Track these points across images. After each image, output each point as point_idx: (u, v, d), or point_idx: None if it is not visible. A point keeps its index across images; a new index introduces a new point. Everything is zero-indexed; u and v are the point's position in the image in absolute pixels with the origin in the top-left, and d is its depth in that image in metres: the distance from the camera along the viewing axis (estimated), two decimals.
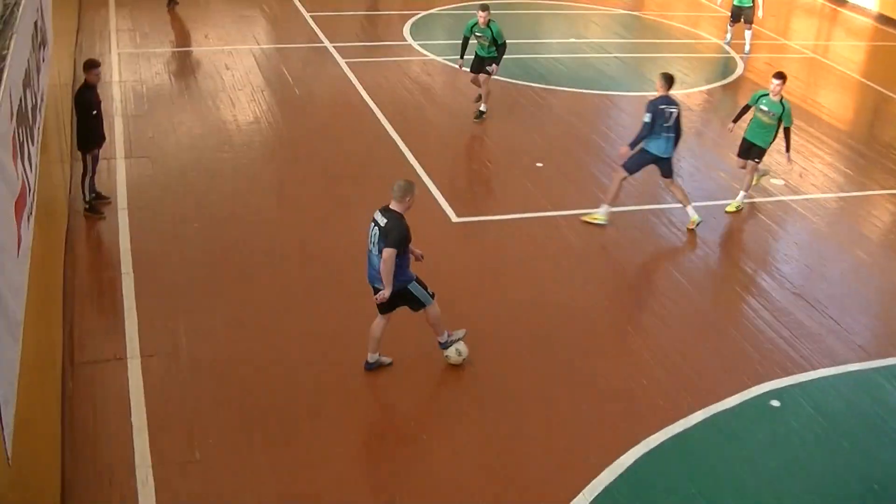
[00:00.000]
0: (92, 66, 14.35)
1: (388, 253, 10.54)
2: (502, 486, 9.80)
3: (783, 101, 15.96)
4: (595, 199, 16.24)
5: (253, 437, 10.15)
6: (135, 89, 19.65)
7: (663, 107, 15.05)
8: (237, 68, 21.23)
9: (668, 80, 15.26)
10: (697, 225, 15.62)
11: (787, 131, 16.16)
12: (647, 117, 15.07)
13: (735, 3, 25.77)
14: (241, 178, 16.25)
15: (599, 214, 15.53)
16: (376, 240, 10.73)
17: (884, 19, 30.77)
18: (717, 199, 16.86)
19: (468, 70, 19.22)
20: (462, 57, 19.10)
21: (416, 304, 11.25)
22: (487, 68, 18.88)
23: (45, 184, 10.98)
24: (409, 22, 25.16)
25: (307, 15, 25.48)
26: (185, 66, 21.36)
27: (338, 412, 10.68)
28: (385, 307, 11.14)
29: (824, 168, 18.79)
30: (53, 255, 12.14)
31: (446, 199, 15.77)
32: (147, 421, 10.16)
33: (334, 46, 23.02)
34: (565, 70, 22.62)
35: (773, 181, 17.73)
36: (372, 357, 11.43)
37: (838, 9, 32.03)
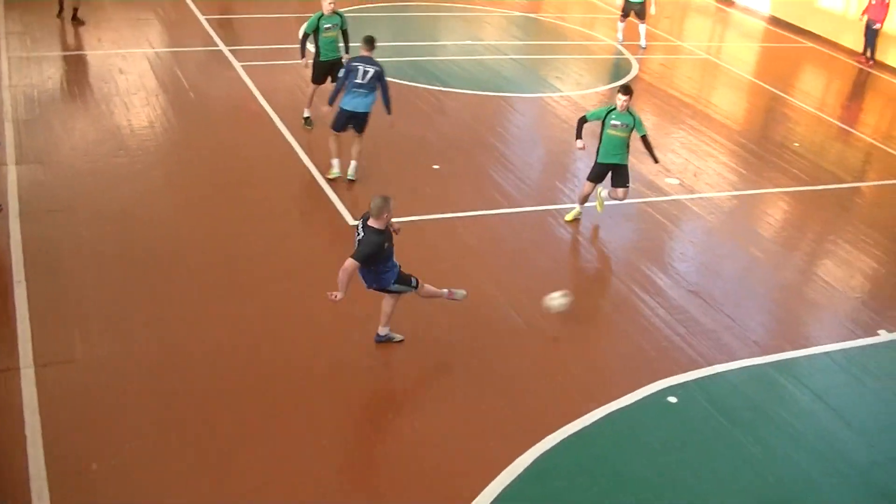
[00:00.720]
0: None
1: (348, 263, 10.81)
2: (403, 486, 9.83)
3: (631, 110, 15.83)
4: (494, 200, 16.40)
5: (169, 438, 10.08)
6: (26, 94, 19.33)
7: (357, 64, 15.88)
8: (131, 72, 20.99)
9: (368, 41, 16.07)
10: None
11: (644, 139, 15.94)
12: (341, 73, 16.24)
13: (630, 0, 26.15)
14: (136, 182, 16.08)
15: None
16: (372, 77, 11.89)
17: (775, 21, 31.51)
18: (610, 201, 17.05)
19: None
20: (303, 55, 18.50)
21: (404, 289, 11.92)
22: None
23: None
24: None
25: (202, 18, 25.29)
26: (77, 71, 21.05)
27: (258, 409, 10.65)
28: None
29: (718, 167, 19.18)
30: None
31: (343, 203, 15.79)
32: (42, 432, 10.01)
33: (230, 50, 22.89)
34: (462, 72, 22.76)
35: (669, 180, 18.01)
36: (382, 330, 12.19)
37: (731, 10, 32.60)
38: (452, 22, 27.65)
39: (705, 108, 22.52)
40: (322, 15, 18.15)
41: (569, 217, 16.23)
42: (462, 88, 21.82)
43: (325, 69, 18.47)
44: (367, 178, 16.82)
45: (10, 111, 18.42)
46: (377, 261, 11.22)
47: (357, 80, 15.88)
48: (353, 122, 16.31)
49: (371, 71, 15.83)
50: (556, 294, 13.00)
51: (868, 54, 28.35)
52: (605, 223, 16.26)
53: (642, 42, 26.49)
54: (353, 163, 16.57)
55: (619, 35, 26.82)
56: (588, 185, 15.97)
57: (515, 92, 22.02)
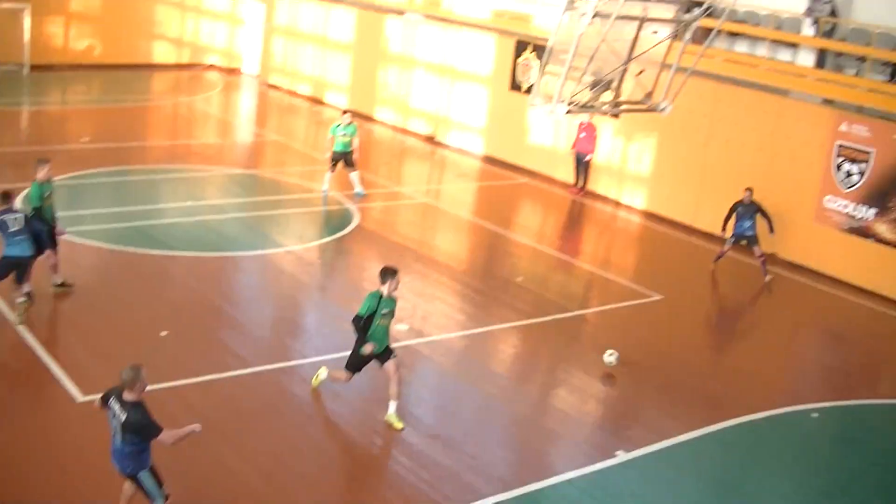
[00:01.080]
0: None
1: (165, 436, 10.75)
2: None
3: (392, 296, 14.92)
4: (225, 363, 16.09)
5: None
6: None
7: (4, 217, 16.56)
8: None
9: (4, 197, 16.74)
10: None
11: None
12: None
13: (335, 149, 26.47)
14: None
15: None
16: (120, 431, 10.68)
17: (489, 160, 32.56)
18: (346, 351, 16.94)
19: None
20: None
21: (145, 493, 11.07)
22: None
23: None
24: (22, 194, 24.17)
25: None
26: None
27: None
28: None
29: (446, 309, 19.49)
30: None
31: (70, 378, 15.13)
32: None
33: None
34: (184, 234, 22.43)
35: (399, 327, 18.12)
36: None
37: (446, 152, 33.54)
38: (173, 184, 27.33)
39: (429, 252, 22.93)
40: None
41: (315, 383, 15.66)
42: (185, 251, 21.49)
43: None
44: (94, 350, 16.23)
45: None
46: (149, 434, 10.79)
47: (14, 230, 16.52)
48: (17, 269, 16.67)
49: (20, 215, 16.73)
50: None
51: (580, 185, 29.58)
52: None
53: (358, 189, 26.70)
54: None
55: (325, 185, 26.94)
56: (346, 374, 14.93)
57: (239, 250, 21.85)
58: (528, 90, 29.79)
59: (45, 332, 16.81)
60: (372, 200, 26.62)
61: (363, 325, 14.41)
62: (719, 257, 23.16)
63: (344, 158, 26.46)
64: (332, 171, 26.72)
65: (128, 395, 10.76)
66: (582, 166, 29.53)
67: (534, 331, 19.04)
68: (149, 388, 14.85)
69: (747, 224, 22.52)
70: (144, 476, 11.01)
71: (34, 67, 41.57)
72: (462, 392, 16.34)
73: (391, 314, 14.71)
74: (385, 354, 14.69)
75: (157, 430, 10.78)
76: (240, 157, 31.43)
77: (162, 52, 46.36)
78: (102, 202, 24.51)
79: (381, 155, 32.93)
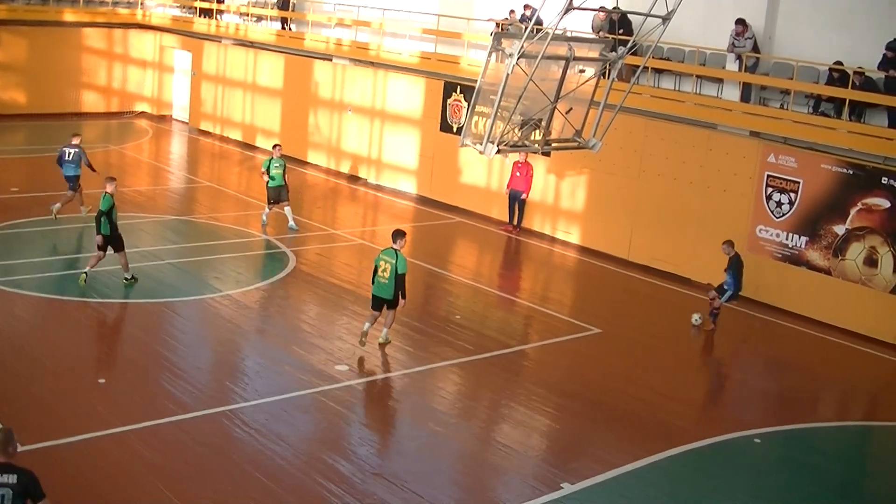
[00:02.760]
0: None
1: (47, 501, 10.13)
2: None
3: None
4: (166, 408, 15.97)
5: None
6: None
7: None
8: None
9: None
10: None
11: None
12: None
13: (271, 185, 27.25)
14: None
15: None
16: (11, 499, 9.93)
17: (423, 200, 32.72)
18: (287, 393, 17.09)
19: None
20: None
21: None
22: None
23: None
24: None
25: None
26: None
27: None
28: None
29: (387, 349, 19.41)
30: None
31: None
32: None
33: None
34: (120, 282, 22.20)
35: (339, 367, 18.11)
36: None
37: (379, 194, 33.64)
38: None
39: (366, 293, 22.68)
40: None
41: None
42: (122, 298, 21.34)
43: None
44: (25, 401, 16.01)
45: None
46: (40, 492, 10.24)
47: None
48: None
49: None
50: None
51: (514, 223, 29.76)
52: (282, 416, 16.21)
53: (291, 223, 27.38)
54: None
55: (264, 218, 27.68)
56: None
57: (177, 297, 21.71)
58: (459, 131, 30.06)
59: None
60: (307, 243, 26.61)
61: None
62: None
63: (279, 193, 27.19)
64: (271, 208, 27.40)
65: (4, 459, 10.10)
66: (517, 204, 29.74)
67: (475, 367, 19.11)
68: (90, 435, 14.87)
69: (728, 279, 21.96)
70: None
71: None
72: (405, 430, 16.38)
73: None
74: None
75: (42, 491, 10.22)
76: (173, 204, 31.26)
77: (90, 101, 46.10)
78: (35, 251, 24.25)
79: (314, 198, 32.90)
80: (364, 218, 31.50)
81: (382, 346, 19.53)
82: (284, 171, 27.56)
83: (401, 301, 19.14)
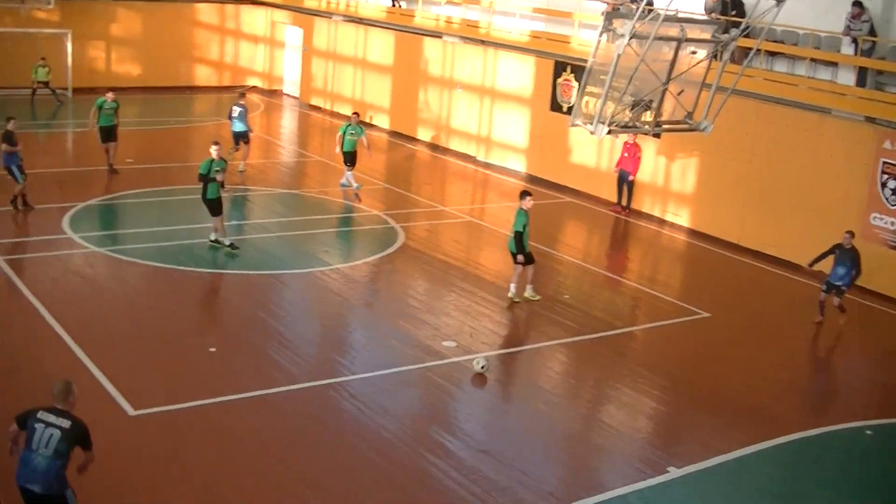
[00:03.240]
0: None
1: (90, 456, 10.82)
2: None
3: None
4: (273, 378, 16.20)
5: None
6: None
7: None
8: None
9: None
10: None
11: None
12: None
13: (345, 149, 28.63)
14: None
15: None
16: (55, 442, 10.49)
17: (532, 179, 32.57)
18: (394, 367, 17.20)
19: None
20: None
21: None
22: None
23: None
24: (68, 214, 24.50)
25: None
26: None
27: None
28: None
29: (493, 326, 19.52)
30: None
31: (121, 393, 15.31)
32: None
33: None
34: (230, 252, 22.55)
35: (446, 343, 18.18)
36: None
37: (489, 172, 33.61)
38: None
39: (474, 270, 22.99)
40: (213, 160, 22.46)
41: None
42: (231, 269, 21.67)
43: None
44: (144, 366, 16.40)
45: None
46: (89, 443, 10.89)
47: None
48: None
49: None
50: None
51: (623, 203, 29.57)
52: (388, 390, 16.34)
53: (347, 181, 29.11)
54: None
55: (343, 181, 29.22)
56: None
57: (286, 269, 21.98)
58: (569, 110, 29.91)
59: (95, 348, 16.99)
60: (416, 219, 26.73)
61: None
62: (822, 307, 21.62)
63: (351, 156, 28.56)
64: (349, 168, 28.77)
65: (63, 407, 10.76)
66: (626, 185, 29.54)
67: (581, 347, 19.05)
68: (200, 402, 15.16)
69: (841, 272, 21.06)
70: (70, 495, 10.78)
71: (77, 91, 42.06)
72: (511, 408, 16.39)
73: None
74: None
75: (91, 441, 10.86)
76: (283, 177, 31.61)
77: (203, 75, 46.83)
78: (149, 221, 24.71)
79: (423, 175, 33.01)
80: (473, 195, 31.51)
81: (527, 301, 20.77)
82: (361, 137, 28.80)
83: (518, 258, 20.59)
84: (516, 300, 20.78)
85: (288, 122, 41.79)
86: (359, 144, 28.77)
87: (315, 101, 44.19)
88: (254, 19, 47.72)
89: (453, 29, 36.73)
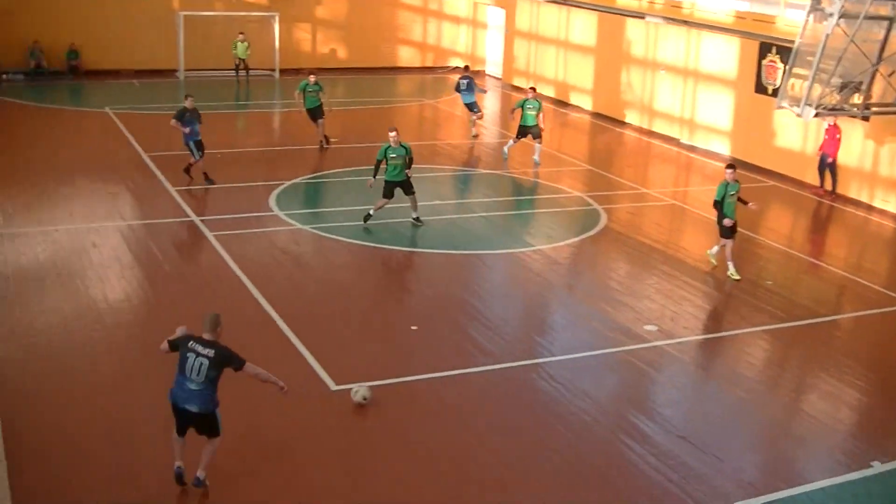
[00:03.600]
0: None
1: (250, 368, 12.32)
2: None
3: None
4: (473, 358, 16.50)
5: None
6: (0, 271, 19.47)
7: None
8: (104, 246, 21.24)
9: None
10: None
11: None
12: None
13: (524, 123, 29.95)
14: (113, 356, 16.19)
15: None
16: (205, 370, 12.05)
17: (736, 162, 32.01)
18: (594, 350, 17.30)
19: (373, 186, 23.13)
20: (374, 177, 23.18)
21: (212, 431, 12.41)
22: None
23: None
24: (275, 192, 25.43)
25: (173, 190, 25.61)
26: (50, 246, 21.26)
27: None
28: (181, 425, 12.38)
29: (694, 311, 19.40)
30: None
31: (323, 367, 15.90)
32: None
33: (202, 220, 23.14)
34: (432, 232, 23.06)
35: (647, 327, 18.19)
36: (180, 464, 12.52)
37: (692, 155, 33.26)
38: (420, 183, 28.01)
39: (676, 253, 22.85)
40: (388, 146, 22.96)
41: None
42: (434, 248, 22.10)
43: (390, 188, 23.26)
44: (345, 342, 16.92)
45: None
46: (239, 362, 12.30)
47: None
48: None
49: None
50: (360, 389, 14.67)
51: (828, 187, 28.90)
52: (588, 372, 16.43)
53: (537, 158, 30.09)
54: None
55: (505, 151, 30.90)
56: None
57: (488, 249, 22.31)
58: (775, 92, 29.35)
59: (299, 322, 17.66)
60: (618, 201, 26.70)
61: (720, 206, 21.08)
62: None
63: (531, 131, 29.95)
64: (516, 141, 30.59)
65: (209, 336, 12.27)
66: (828, 168, 28.86)
67: (784, 335, 18.77)
68: (398, 379, 15.56)
69: None
70: (218, 413, 12.34)
71: (283, 72, 43.31)
72: (711, 394, 16.30)
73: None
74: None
75: (241, 361, 12.25)
76: (486, 158, 31.96)
77: (406, 56, 47.60)
78: (352, 200, 25.36)
79: (626, 157, 32.90)
80: (676, 178, 31.25)
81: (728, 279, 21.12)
82: (539, 112, 30.00)
83: (725, 221, 21.23)
84: (735, 278, 21.01)
85: (490, 102, 42.13)
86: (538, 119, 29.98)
87: (517, 82, 44.42)
88: (457, 0, 48.22)
89: (656, 10, 36.41)
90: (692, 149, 34.11)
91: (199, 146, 25.93)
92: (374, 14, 46.65)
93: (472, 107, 34.07)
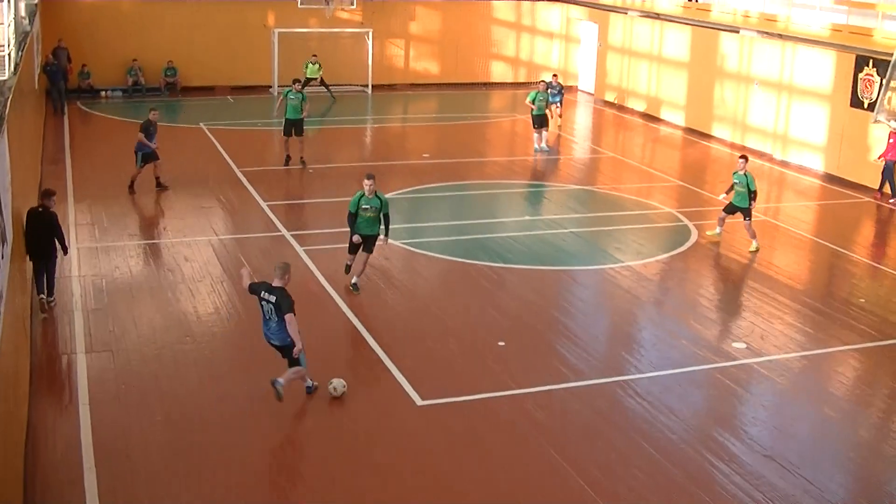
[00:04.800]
0: (50, 194, 18.83)
1: (290, 318, 14.51)
2: None
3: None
4: (560, 374, 16.52)
5: None
6: (94, 283, 20.08)
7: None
8: (196, 259, 21.64)
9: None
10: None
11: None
12: None
13: (534, 113, 33.59)
14: (203, 369, 16.52)
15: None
16: (273, 312, 14.63)
17: (830, 178, 31.69)
18: (681, 367, 17.22)
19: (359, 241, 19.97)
20: (353, 232, 19.79)
21: (291, 361, 14.90)
22: (379, 242, 20.08)
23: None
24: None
25: (264, 204, 25.99)
26: (144, 259, 21.81)
27: None
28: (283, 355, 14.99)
29: (784, 328, 19.19)
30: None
31: (410, 382, 16.05)
32: None
33: (292, 234, 23.43)
34: (521, 247, 23.14)
35: (735, 345, 18.05)
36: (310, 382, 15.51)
37: (785, 171, 32.89)
38: (510, 199, 28.18)
39: (766, 270, 22.62)
40: (362, 195, 19.63)
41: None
42: (523, 264, 22.14)
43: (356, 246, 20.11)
44: (433, 357, 17.04)
45: (79, 301, 19.20)
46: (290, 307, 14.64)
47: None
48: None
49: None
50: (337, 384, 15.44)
51: (891, 193, 28.85)
52: (674, 389, 16.38)
53: (542, 146, 33.23)
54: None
55: (537, 145, 33.77)
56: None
57: (576, 265, 22.33)
58: (871, 106, 28.96)
59: (386, 337, 17.88)
60: (709, 217, 26.48)
61: None
62: None
63: (541, 120, 33.57)
64: (538, 131, 33.65)
65: (277, 282, 14.78)
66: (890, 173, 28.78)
67: (876, 353, 18.48)
68: (485, 395, 15.63)
69: None
70: (302, 355, 14.85)
71: (376, 87, 43.70)
72: (799, 413, 16.10)
73: None
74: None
75: (288, 310, 14.53)
76: (577, 173, 31.95)
77: (499, 71, 47.76)
78: (442, 215, 25.53)
79: (718, 173, 32.64)
80: (768, 194, 30.91)
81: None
82: (547, 103, 34.09)
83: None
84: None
85: (582, 118, 42.09)
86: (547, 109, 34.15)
87: (609, 98, 44.32)
88: (549, 15, 48.33)
89: (750, 23, 36.10)
90: (785, 164, 33.72)
91: (147, 158, 26.93)
92: (468, 29, 46.90)
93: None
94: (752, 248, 23.64)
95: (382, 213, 19.61)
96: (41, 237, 18.29)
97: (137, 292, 19.84)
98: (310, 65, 42.17)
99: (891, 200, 28.92)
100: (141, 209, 25.61)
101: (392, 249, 22.53)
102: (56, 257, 18.69)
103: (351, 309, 19.10)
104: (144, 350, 17.13)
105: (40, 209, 18.43)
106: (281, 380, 14.68)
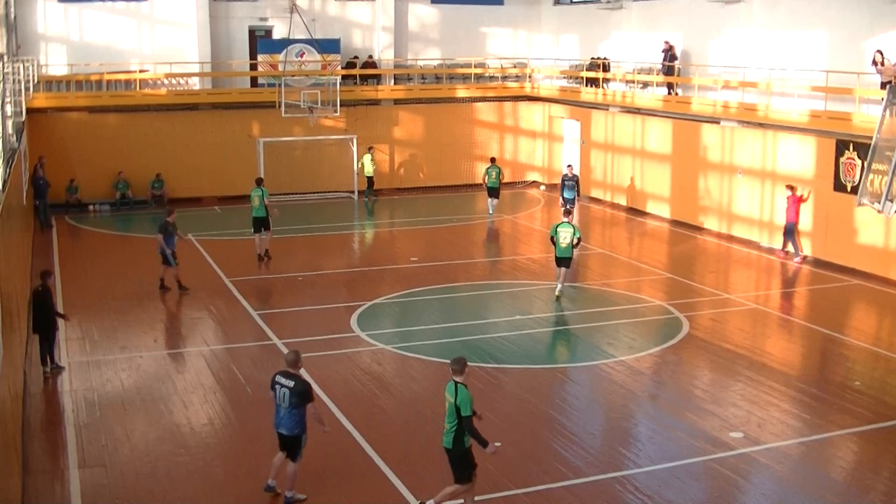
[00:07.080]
0: (48, 274, 21.75)
1: (313, 408, 15.23)
2: None
3: None
4: (558, 472, 16.40)
5: None
6: (86, 397, 20.07)
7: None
8: (188, 371, 21.60)
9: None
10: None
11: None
12: None
13: (489, 185, 40.14)
14: (198, 482, 16.37)
15: None
16: (288, 398, 14.91)
17: (818, 263, 31.79)
18: (679, 460, 17.14)
19: None
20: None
21: (293, 454, 15.24)
22: None
23: None
24: (356, 313, 25.66)
25: (254, 313, 26.00)
26: (135, 372, 21.73)
27: None
28: (285, 446, 15.35)
29: (781, 416, 19.15)
30: None
31: (406, 486, 15.92)
32: None
33: (283, 342, 23.34)
34: (514, 347, 23.11)
35: (733, 434, 17.96)
36: (271, 481, 15.63)
37: (772, 258, 33.00)
38: (500, 299, 28.16)
39: (761, 358, 22.61)
40: None
41: None
42: (515, 364, 22.09)
43: None
44: (429, 461, 16.91)
45: (71, 416, 19.12)
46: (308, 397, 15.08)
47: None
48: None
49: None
50: None
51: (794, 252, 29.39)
52: (674, 483, 16.31)
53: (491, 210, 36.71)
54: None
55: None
56: None
57: (569, 362, 22.33)
58: (854, 190, 29.15)
59: (381, 442, 17.82)
60: (700, 308, 26.56)
61: None
62: None
63: (494, 191, 40.06)
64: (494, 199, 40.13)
65: (292, 371, 15.10)
66: None
67: (875, 437, 18.45)
68: (483, 497, 15.51)
69: None
70: (304, 437, 15.19)
71: (362, 193, 43.98)
72: (800, 501, 15.99)
73: None
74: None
75: (309, 399, 15.03)
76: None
77: (483, 172, 48.03)
78: (433, 318, 25.55)
79: (707, 263, 32.76)
80: (757, 282, 31.02)
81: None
82: (500, 175, 40.91)
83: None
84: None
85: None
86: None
87: (594, 193, 44.58)
88: (531, 115, 48.80)
89: (731, 113, 36.49)
90: (772, 251, 33.83)
91: (165, 258, 28.01)
92: (450, 132, 47.29)
93: (571, 202, 37.72)
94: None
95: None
96: (45, 312, 21.12)
97: (130, 405, 19.77)
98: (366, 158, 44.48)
99: (795, 259, 29.80)
100: (130, 322, 25.56)
101: (384, 354, 22.50)
102: (57, 328, 21.61)
103: (344, 414, 19.01)
104: (138, 464, 17.02)
105: (40, 288, 21.32)
106: (289, 493, 15.34)
